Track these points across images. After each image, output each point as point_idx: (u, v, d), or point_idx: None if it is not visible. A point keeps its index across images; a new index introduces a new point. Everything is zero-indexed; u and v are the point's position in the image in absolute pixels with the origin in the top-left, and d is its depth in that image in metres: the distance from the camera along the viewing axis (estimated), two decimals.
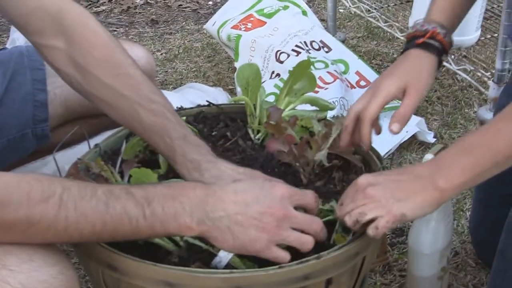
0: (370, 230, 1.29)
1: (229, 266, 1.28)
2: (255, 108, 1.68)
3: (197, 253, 1.32)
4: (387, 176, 1.35)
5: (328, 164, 1.54)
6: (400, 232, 2.08)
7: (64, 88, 1.70)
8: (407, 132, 2.46)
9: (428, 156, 1.61)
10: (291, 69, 2.40)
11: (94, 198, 1.17)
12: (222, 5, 3.01)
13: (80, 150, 1.64)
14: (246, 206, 1.23)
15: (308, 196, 1.31)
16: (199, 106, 1.79)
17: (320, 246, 1.30)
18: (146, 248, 1.33)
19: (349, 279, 1.37)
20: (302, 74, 1.70)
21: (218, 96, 2.45)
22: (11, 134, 1.79)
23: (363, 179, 1.34)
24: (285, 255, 1.24)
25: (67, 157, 1.61)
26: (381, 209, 1.28)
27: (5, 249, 1.14)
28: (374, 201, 1.29)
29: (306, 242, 1.26)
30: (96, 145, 1.61)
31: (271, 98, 2.28)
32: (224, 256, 1.27)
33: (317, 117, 1.64)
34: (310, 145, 1.55)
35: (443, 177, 1.30)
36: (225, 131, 1.69)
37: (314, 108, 1.72)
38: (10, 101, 1.77)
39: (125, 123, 1.51)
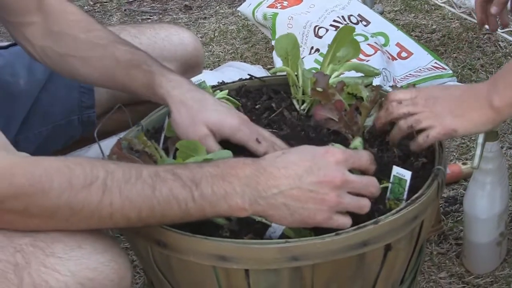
0: (421, 138, 1.36)
1: (283, 236, 1.22)
2: (297, 78, 1.62)
3: (249, 225, 1.27)
4: (451, 91, 1.40)
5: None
6: (453, 201, 2.02)
7: None
8: None
9: None
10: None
11: (139, 181, 1.12)
12: None
13: None
14: (300, 179, 1.15)
15: (364, 158, 1.23)
16: (241, 80, 1.73)
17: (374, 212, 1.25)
18: (194, 224, 1.27)
19: (408, 245, 1.31)
20: (345, 40, 1.63)
21: (258, 74, 2.39)
22: (57, 120, 1.77)
23: (428, 89, 1.42)
24: (347, 221, 1.18)
25: (113, 144, 1.56)
26: (435, 120, 1.34)
27: (52, 236, 1.11)
28: (432, 112, 1.35)
29: (364, 205, 1.19)
30: (138, 124, 1.56)
31: None
32: (278, 226, 1.21)
33: (363, 83, 1.57)
34: (359, 111, 1.49)
35: (497, 95, 1.32)
36: (269, 103, 1.64)
37: (359, 74, 1.65)
38: (55, 87, 1.75)
39: (103, 70, 1.51)
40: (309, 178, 1.15)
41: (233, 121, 1.39)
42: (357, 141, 1.35)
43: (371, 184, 1.21)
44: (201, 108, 1.39)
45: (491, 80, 1.38)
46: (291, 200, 1.14)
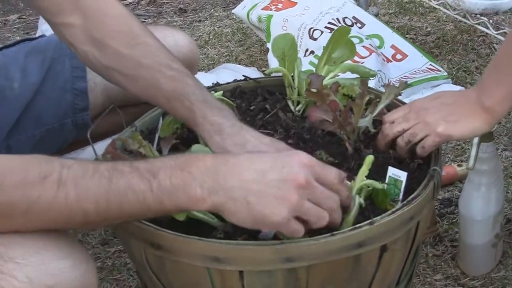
0: (418, 149, 1.38)
1: (276, 238, 1.21)
2: (293, 79, 1.61)
3: (243, 227, 1.25)
4: (441, 99, 1.41)
5: (374, 131, 1.47)
6: (448, 203, 2.01)
7: None
8: None
9: None
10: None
11: (96, 174, 1.09)
12: None
13: None
14: (264, 174, 1.10)
15: (332, 172, 1.16)
16: (235, 81, 1.72)
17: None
18: (188, 226, 1.26)
19: (404, 246, 1.30)
20: (341, 41, 1.62)
21: (253, 75, 2.38)
22: (50, 123, 1.74)
23: (419, 102, 1.44)
24: (301, 229, 1.11)
25: (106, 146, 1.55)
26: (429, 129, 1.36)
27: (12, 240, 1.07)
28: (425, 122, 1.37)
29: (324, 217, 1.12)
30: (132, 125, 1.55)
31: None
32: (270, 230, 1.20)
33: (359, 84, 1.56)
34: (353, 112, 1.47)
35: (486, 96, 1.36)
36: (264, 104, 1.62)
37: (354, 76, 1.64)
38: (48, 90, 1.73)
39: (145, 94, 1.45)
40: (273, 174, 1.10)
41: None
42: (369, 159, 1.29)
43: (333, 199, 1.15)
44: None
45: (479, 83, 1.42)
46: (252, 194, 1.09)
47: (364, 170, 1.27)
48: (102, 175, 1.09)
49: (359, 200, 1.24)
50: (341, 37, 1.64)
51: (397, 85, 2.34)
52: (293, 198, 1.09)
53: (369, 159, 1.27)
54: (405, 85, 1.52)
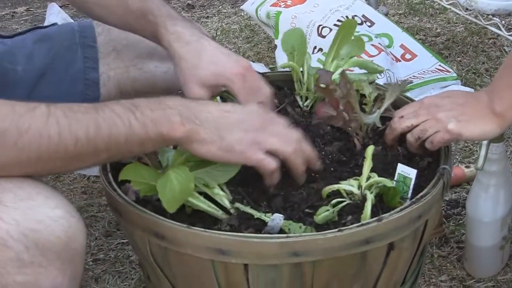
0: (427, 144, 1.36)
1: (282, 232, 1.20)
2: (302, 74, 1.59)
3: (248, 220, 1.25)
4: (453, 99, 1.39)
5: (382, 127, 1.45)
6: (455, 204, 1.99)
7: (117, 70, 1.73)
8: None
9: None
10: None
11: (82, 107, 1.14)
12: None
13: None
14: (229, 112, 1.25)
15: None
16: None
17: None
18: (193, 218, 1.26)
19: (411, 245, 1.28)
20: (348, 35, 1.61)
21: (261, 71, 2.37)
22: None
23: (430, 98, 1.42)
24: (272, 159, 1.24)
25: None
26: (440, 125, 1.34)
27: (3, 187, 1.08)
28: (436, 119, 1.35)
29: (289, 143, 1.26)
30: None
31: None
32: (276, 224, 1.19)
33: (368, 80, 1.55)
34: (363, 108, 1.46)
35: (497, 100, 1.34)
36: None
37: (363, 71, 1.63)
38: (58, 78, 1.72)
39: (119, 20, 1.54)
40: (237, 114, 1.25)
41: (230, 71, 1.41)
42: (369, 150, 1.32)
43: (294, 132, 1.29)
44: (198, 63, 1.41)
45: (490, 86, 1.40)
46: (221, 125, 1.22)
47: (368, 162, 1.27)
48: (88, 107, 1.15)
49: (371, 196, 1.23)
50: (348, 31, 1.63)
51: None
52: (254, 130, 1.24)
53: (370, 149, 1.29)
54: (407, 83, 1.51)
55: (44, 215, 1.06)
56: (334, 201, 1.25)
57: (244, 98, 1.40)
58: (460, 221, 1.92)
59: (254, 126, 1.24)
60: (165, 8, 1.48)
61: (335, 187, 1.28)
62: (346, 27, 1.63)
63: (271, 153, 1.24)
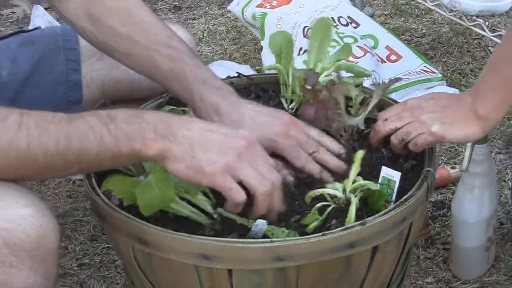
0: (411, 146, 1.36)
1: (265, 237, 1.20)
2: (287, 77, 1.58)
3: (231, 226, 1.24)
4: (436, 101, 1.39)
5: (367, 130, 1.45)
6: (441, 205, 1.99)
7: (101, 72, 1.71)
8: None
9: None
10: None
11: (56, 117, 1.12)
12: None
13: None
14: (211, 131, 1.19)
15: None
16: (228, 77, 1.69)
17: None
18: (176, 223, 1.25)
19: (396, 248, 1.28)
20: (327, 34, 1.60)
21: (246, 73, 2.36)
22: None
23: (413, 100, 1.41)
24: (240, 191, 1.17)
25: None
26: (424, 127, 1.34)
27: None
28: (419, 121, 1.35)
29: (263, 182, 1.18)
30: None
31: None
32: (259, 229, 1.19)
33: (354, 83, 1.54)
34: (349, 111, 1.46)
35: (480, 102, 1.34)
36: (257, 102, 1.59)
37: (349, 75, 1.62)
38: (41, 81, 1.71)
39: (143, 72, 1.48)
40: (218, 135, 1.19)
41: (268, 133, 1.36)
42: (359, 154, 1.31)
43: (276, 174, 1.22)
44: (239, 128, 1.33)
45: (472, 89, 1.39)
46: (197, 144, 1.16)
47: (356, 166, 1.26)
48: (61, 118, 1.12)
49: (355, 200, 1.22)
50: (325, 29, 1.62)
51: (392, 86, 2.35)
52: (231, 155, 1.17)
53: (360, 154, 1.28)
54: (391, 83, 1.51)
55: (15, 214, 1.05)
56: (319, 205, 1.25)
57: (292, 156, 1.36)
58: (446, 222, 1.92)
59: (233, 151, 1.17)
60: (198, 69, 1.42)
61: (319, 191, 1.27)
62: (320, 25, 1.62)
63: (242, 184, 1.18)
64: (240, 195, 1.17)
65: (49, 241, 1.08)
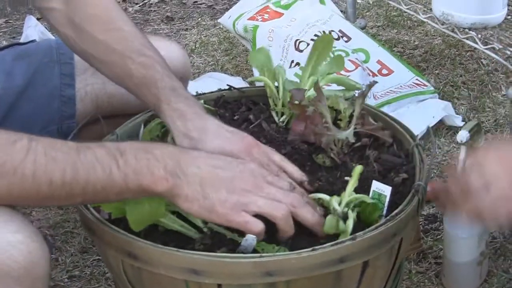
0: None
1: (255, 252, 1.19)
2: (278, 90, 1.58)
3: (221, 241, 1.23)
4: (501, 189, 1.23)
5: (358, 144, 1.45)
6: (433, 219, 1.98)
7: (95, 86, 1.72)
8: (433, 117, 2.36)
9: (463, 132, 1.52)
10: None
11: (64, 146, 1.11)
12: (238, 0, 2.94)
13: None
14: (219, 169, 1.19)
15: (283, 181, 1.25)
16: (219, 90, 1.69)
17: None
18: (166, 237, 1.25)
19: (387, 262, 1.27)
20: (326, 51, 1.60)
21: (238, 85, 2.35)
22: (36, 129, 1.69)
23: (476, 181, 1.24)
24: (257, 221, 1.17)
25: None
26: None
27: None
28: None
29: (279, 207, 1.18)
30: (113, 133, 1.52)
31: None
32: (249, 244, 1.18)
33: (344, 97, 1.54)
34: (338, 125, 1.45)
35: None
36: (248, 115, 1.60)
37: (340, 88, 1.62)
38: (35, 95, 1.71)
39: (117, 79, 1.49)
40: (227, 172, 1.19)
41: (236, 149, 1.34)
42: (357, 169, 1.30)
43: (291, 196, 1.21)
44: (202, 139, 1.35)
45: None
46: (207, 183, 1.16)
47: (354, 181, 1.26)
48: (70, 147, 1.11)
49: (353, 215, 1.22)
50: (325, 46, 1.62)
51: (383, 99, 2.36)
52: (241, 191, 1.17)
53: (358, 169, 1.26)
54: (373, 83, 1.50)
55: (4, 240, 1.04)
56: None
57: None
58: (438, 236, 1.91)
59: (244, 187, 1.18)
60: (169, 79, 1.43)
61: (318, 195, 1.28)
62: (323, 42, 1.62)
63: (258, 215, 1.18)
64: (257, 226, 1.17)
65: (39, 268, 1.07)
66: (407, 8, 2.63)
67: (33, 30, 2.66)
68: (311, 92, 1.54)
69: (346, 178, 1.32)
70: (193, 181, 1.15)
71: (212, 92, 1.68)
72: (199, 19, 3.55)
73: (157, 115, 1.43)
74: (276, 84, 1.59)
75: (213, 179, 1.17)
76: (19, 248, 1.05)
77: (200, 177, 1.16)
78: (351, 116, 1.47)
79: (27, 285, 1.05)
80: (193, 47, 3.17)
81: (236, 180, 1.18)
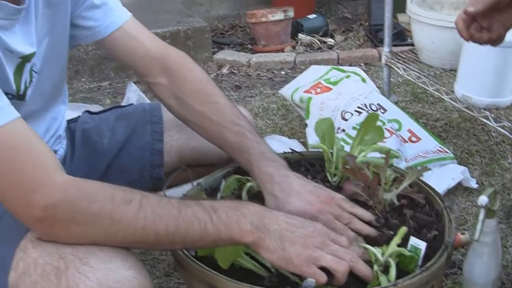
0: None
1: None
2: (332, 155, 1.57)
3: (285, 280, 1.22)
4: None
5: (398, 203, 1.43)
6: (452, 264, 1.94)
7: (179, 141, 1.72)
8: (453, 179, 2.32)
9: (483, 198, 1.49)
10: (355, 125, 2.31)
11: (168, 204, 1.14)
12: (293, 74, 2.94)
13: (185, 188, 1.56)
14: (295, 227, 1.19)
15: (342, 237, 1.24)
16: (284, 153, 1.69)
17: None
18: (241, 275, 1.23)
19: None
20: (371, 125, 1.60)
21: (295, 146, 2.35)
22: (132, 175, 1.74)
23: None
24: (323, 274, 1.16)
25: (175, 193, 1.53)
26: None
27: (90, 250, 1.10)
28: None
29: (341, 263, 1.17)
30: (199, 183, 1.53)
31: None
32: (309, 285, 1.16)
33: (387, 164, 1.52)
34: (382, 187, 1.44)
35: None
36: (306, 174, 1.58)
37: (382, 155, 1.60)
38: (132, 148, 1.73)
39: (213, 141, 1.50)
40: (301, 230, 1.19)
41: (309, 210, 1.33)
42: (402, 230, 1.28)
43: (350, 253, 1.20)
44: (286, 200, 1.34)
45: None
46: (285, 239, 1.16)
47: (398, 238, 1.24)
48: (173, 205, 1.14)
49: (393, 264, 1.20)
50: (371, 122, 1.62)
51: (413, 162, 2.32)
52: (312, 248, 1.17)
53: (403, 230, 1.25)
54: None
55: (121, 276, 1.08)
56: None
57: (331, 228, 1.29)
58: (456, 280, 1.86)
59: (314, 244, 1.18)
60: (257, 144, 1.43)
61: (364, 245, 1.26)
62: (370, 118, 1.61)
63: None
64: (323, 278, 1.16)
65: None
66: (433, 89, 2.60)
67: (133, 94, 2.70)
68: (360, 159, 1.53)
69: (390, 232, 1.31)
70: (274, 236, 1.16)
71: (278, 153, 1.67)
72: (261, 88, 3.56)
73: (250, 174, 1.43)
74: (330, 150, 1.58)
75: (291, 235, 1.17)
76: (132, 282, 1.08)
77: (280, 232, 1.17)
78: (393, 180, 1.45)
79: None
80: (257, 112, 3.18)
81: (308, 238, 1.18)
